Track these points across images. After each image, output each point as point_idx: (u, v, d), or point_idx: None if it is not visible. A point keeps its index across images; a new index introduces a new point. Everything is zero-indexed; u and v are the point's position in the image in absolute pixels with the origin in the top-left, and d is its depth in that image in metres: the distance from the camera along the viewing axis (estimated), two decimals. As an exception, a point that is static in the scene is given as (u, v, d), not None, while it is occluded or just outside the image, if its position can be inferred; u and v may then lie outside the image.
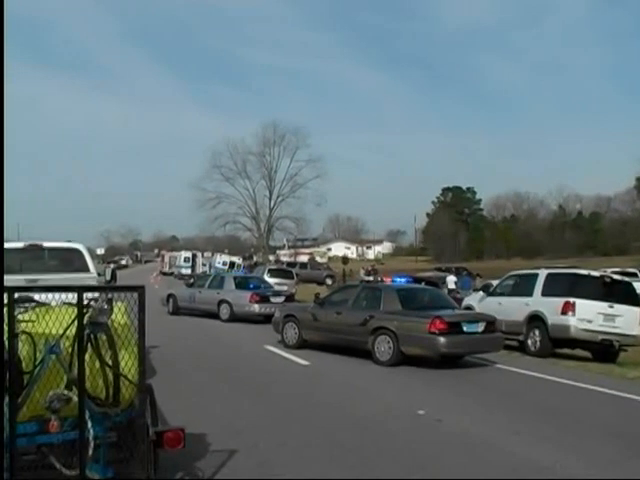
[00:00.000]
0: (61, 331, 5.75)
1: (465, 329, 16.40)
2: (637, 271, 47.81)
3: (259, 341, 20.67)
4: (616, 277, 20.66)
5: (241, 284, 30.04)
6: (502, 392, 13.80)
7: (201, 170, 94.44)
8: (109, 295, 6.06)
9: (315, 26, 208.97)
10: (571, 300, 18.87)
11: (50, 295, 6.20)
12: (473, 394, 13.42)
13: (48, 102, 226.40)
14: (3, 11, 5.32)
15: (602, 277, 19.95)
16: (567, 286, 19.63)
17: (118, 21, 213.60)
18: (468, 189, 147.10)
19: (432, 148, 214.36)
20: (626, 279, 21.34)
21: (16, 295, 5.48)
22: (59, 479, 5.52)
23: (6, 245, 15.66)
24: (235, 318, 27.81)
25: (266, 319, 24.93)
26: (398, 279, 25.84)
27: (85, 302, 5.64)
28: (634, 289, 20.53)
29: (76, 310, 5.52)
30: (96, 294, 6.02)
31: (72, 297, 5.69)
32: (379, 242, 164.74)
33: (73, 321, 5.62)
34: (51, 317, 5.92)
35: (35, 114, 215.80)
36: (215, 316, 28.59)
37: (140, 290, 5.49)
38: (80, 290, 5.51)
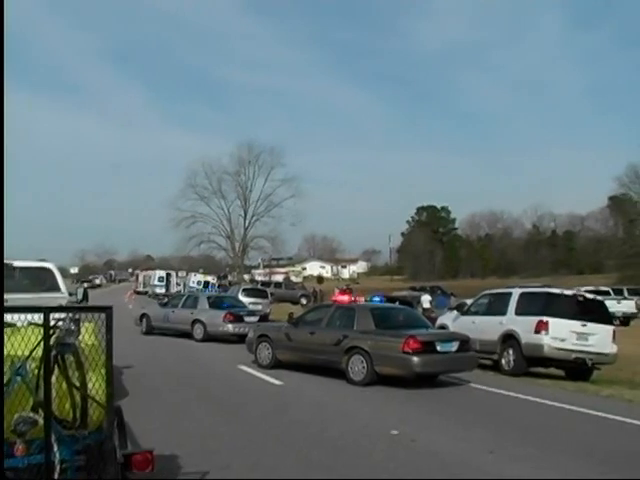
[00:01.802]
0: (27, 352, 5.67)
1: (439, 348, 16.37)
2: (610, 290, 48.18)
3: (233, 361, 20.55)
4: (589, 296, 20.74)
5: (215, 304, 29.93)
6: (476, 411, 13.78)
7: (177, 189, 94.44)
8: (77, 316, 5.98)
9: (293, 44, 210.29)
10: (544, 319, 18.90)
11: (16, 316, 6.11)
12: (447, 413, 13.39)
13: (25, 118, 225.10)
14: (3, 12, 5.27)
15: (575, 296, 20.02)
16: (540, 305, 19.67)
17: (96, 40, 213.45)
18: (443, 208, 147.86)
19: (408, 166, 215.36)
20: (599, 298, 21.47)
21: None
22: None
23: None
24: (209, 338, 27.66)
25: (240, 339, 24.82)
26: (377, 298, 25.91)
27: (52, 323, 5.56)
28: (607, 308, 20.66)
29: (42, 331, 5.43)
30: (63, 315, 5.94)
31: (39, 318, 5.60)
32: (354, 261, 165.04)
33: (40, 342, 5.53)
34: (17, 338, 5.83)
35: (10, 130, 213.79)
36: (189, 336, 28.42)
37: (108, 311, 5.42)
38: (47, 310, 5.42)
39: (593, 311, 19.59)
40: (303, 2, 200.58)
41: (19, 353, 5.71)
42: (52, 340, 5.51)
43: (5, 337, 5.87)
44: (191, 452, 9.17)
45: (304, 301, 63.34)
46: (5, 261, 15.04)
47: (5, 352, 5.72)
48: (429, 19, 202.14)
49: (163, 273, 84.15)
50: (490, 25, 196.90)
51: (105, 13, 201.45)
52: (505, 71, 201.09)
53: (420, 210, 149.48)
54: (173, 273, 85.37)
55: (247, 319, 27.91)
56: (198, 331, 28.24)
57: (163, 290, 75.88)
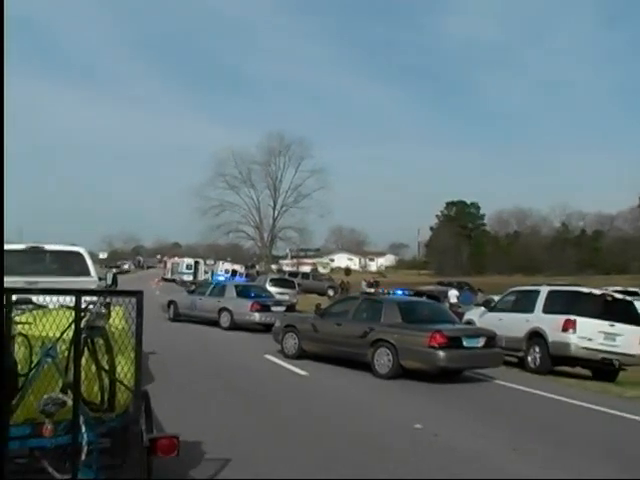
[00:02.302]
0: (58, 334, 5.72)
1: (465, 344, 16.35)
2: (638, 290, 47.75)
3: (258, 350, 20.61)
4: (618, 296, 20.60)
5: (242, 292, 30.00)
6: (500, 408, 13.76)
7: (205, 178, 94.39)
8: (107, 299, 6.02)
9: (321, 38, 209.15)
10: (572, 318, 18.80)
11: (48, 298, 6.16)
12: (471, 409, 13.37)
13: (54, 106, 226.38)
14: (3, 11, 5.31)
15: (603, 295, 19.89)
16: (568, 303, 19.57)
17: (124, 30, 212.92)
18: (472, 204, 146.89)
19: (437, 162, 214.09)
20: (628, 298, 21.28)
21: (14, 297, 5.45)
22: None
23: (7, 247, 15.63)
24: (235, 326, 27.76)
25: (266, 328, 24.90)
26: (399, 292, 25.87)
27: (83, 306, 5.60)
28: (635, 308, 20.46)
29: (73, 313, 5.48)
30: (94, 298, 5.98)
31: (70, 300, 5.65)
32: (382, 254, 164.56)
33: (70, 324, 5.58)
34: (48, 320, 5.89)
35: (41, 118, 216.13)
36: (215, 324, 28.53)
37: (138, 295, 5.45)
38: (78, 293, 5.47)
39: (621, 311, 19.42)
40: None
41: (50, 335, 5.76)
42: (82, 323, 5.55)
43: (37, 319, 5.94)
44: (214, 440, 9.19)
45: (331, 292, 63.20)
46: (36, 244, 15.29)
47: (36, 333, 5.78)
48: (456, 16, 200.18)
49: (191, 261, 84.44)
50: (519, 23, 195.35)
51: (136, 4, 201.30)
52: (533, 69, 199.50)
53: (449, 205, 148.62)
54: (201, 261, 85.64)
55: (274, 309, 27.96)
56: (225, 319, 28.34)
57: (191, 278, 76.13)
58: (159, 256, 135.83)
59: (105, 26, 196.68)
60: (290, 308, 29.57)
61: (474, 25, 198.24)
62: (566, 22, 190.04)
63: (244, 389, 14.16)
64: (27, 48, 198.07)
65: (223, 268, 74.52)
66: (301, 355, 18.80)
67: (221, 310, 28.65)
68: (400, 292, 25.50)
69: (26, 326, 5.83)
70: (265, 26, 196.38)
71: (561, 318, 18.99)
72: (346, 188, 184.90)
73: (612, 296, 20.12)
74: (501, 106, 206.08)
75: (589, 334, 18.70)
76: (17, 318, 5.77)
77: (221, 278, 53.13)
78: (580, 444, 10.70)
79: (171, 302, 31.93)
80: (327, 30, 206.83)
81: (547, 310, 19.81)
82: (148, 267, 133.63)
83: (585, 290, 20.19)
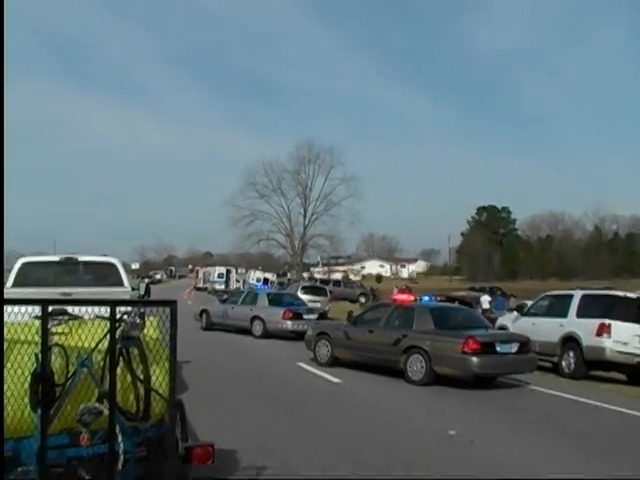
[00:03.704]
0: (93, 344, 5.76)
1: (499, 349, 16.27)
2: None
3: (291, 358, 20.64)
4: (653, 300, 20.35)
5: (274, 301, 30.05)
6: (535, 414, 13.67)
7: (236, 188, 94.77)
8: (142, 309, 6.06)
9: (350, 48, 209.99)
10: (607, 322, 18.63)
11: (83, 308, 6.22)
12: (506, 415, 13.32)
13: (88, 118, 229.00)
14: (3, 11, 5.36)
15: (639, 299, 19.68)
16: (603, 308, 19.40)
17: (157, 42, 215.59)
18: (503, 209, 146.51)
19: (467, 167, 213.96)
20: (663, 301, 21.03)
21: (50, 308, 5.50)
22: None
23: (42, 258, 15.86)
24: (268, 334, 27.81)
25: (299, 336, 24.89)
26: (426, 298, 25.85)
27: (118, 316, 5.64)
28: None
29: (109, 324, 5.52)
30: (129, 308, 6.02)
31: (105, 311, 5.70)
32: (413, 261, 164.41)
33: (105, 335, 5.62)
34: (84, 330, 5.94)
35: (75, 130, 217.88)
36: (248, 332, 28.59)
37: (172, 305, 5.48)
38: (113, 304, 5.52)
39: (657, 315, 19.20)
40: (362, 6, 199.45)
41: (85, 345, 5.81)
42: (117, 333, 5.59)
43: (72, 329, 5.99)
44: (248, 449, 9.21)
45: (362, 299, 63.14)
46: (70, 255, 15.44)
47: (72, 343, 5.84)
48: (487, 24, 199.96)
49: (223, 270, 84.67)
50: (550, 30, 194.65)
51: (167, 16, 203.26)
52: (565, 74, 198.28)
53: (480, 210, 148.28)
54: (233, 270, 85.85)
55: (306, 317, 27.95)
56: (257, 327, 28.39)
57: (223, 286, 76.36)
58: (191, 266, 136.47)
59: (138, 40, 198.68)
60: (322, 316, 29.55)
61: (504, 32, 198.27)
62: (598, 25, 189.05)
63: (278, 397, 14.18)
64: (66, 63, 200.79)
65: (255, 277, 74.62)
66: (334, 363, 18.80)
67: (253, 318, 28.71)
68: (427, 298, 25.46)
69: (62, 337, 5.88)
70: (295, 36, 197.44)
71: (595, 322, 18.83)
72: (377, 195, 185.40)
73: (647, 300, 19.89)
74: (532, 110, 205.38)
75: (624, 338, 18.52)
76: (53, 329, 5.82)
77: (255, 284, 53.19)
78: (619, 451, 10.61)
79: (203, 311, 32.07)
80: (357, 39, 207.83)
81: (581, 314, 19.66)
82: (180, 277, 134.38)
83: (620, 294, 20.01)
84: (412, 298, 21.78)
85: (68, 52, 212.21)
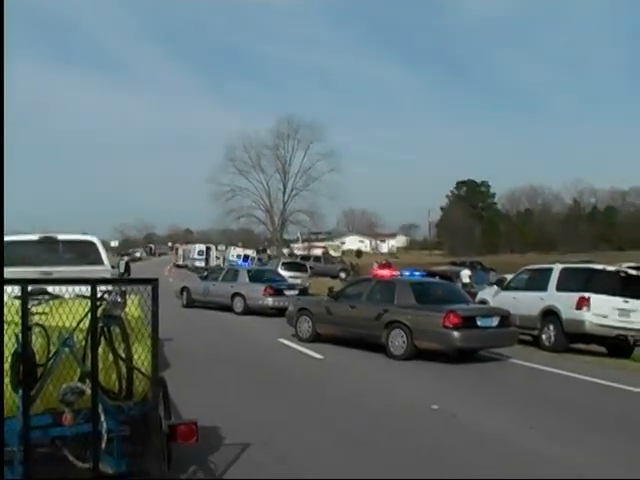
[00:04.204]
0: (75, 324, 5.74)
1: (479, 323, 16.34)
2: (652, 266, 47.53)
3: (273, 334, 20.66)
4: (632, 272, 20.47)
5: (255, 277, 30.04)
6: (516, 387, 13.76)
7: (216, 164, 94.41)
8: (123, 288, 6.04)
9: (331, 20, 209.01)
10: (586, 295, 18.74)
11: (64, 288, 6.18)
12: (487, 389, 13.39)
13: (65, 95, 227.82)
14: (3, 11, 5.31)
15: (617, 272, 19.80)
16: (582, 281, 19.50)
17: (135, 17, 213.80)
18: (482, 183, 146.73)
19: (447, 142, 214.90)
20: (642, 274, 21.17)
21: (30, 287, 5.46)
22: (72, 472, 5.52)
23: (21, 237, 15.72)
24: (249, 311, 27.86)
25: (280, 312, 24.92)
26: (407, 273, 25.86)
27: (99, 295, 5.62)
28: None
29: (90, 303, 5.49)
30: (110, 287, 6.00)
31: (86, 290, 5.66)
32: (393, 236, 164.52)
33: (87, 314, 5.60)
34: (65, 310, 5.90)
35: (51, 107, 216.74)
36: (229, 309, 28.63)
37: (154, 283, 5.46)
38: (94, 283, 5.49)
39: (636, 287, 19.28)
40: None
41: (67, 324, 5.78)
42: (99, 312, 5.57)
43: (53, 309, 5.96)
44: (232, 425, 9.21)
45: (343, 275, 63.27)
46: (49, 234, 15.33)
47: (53, 323, 5.80)
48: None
49: (203, 247, 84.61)
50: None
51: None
52: (545, 46, 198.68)
53: (460, 185, 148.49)
54: (213, 247, 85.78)
55: (287, 293, 28.00)
56: (238, 304, 28.41)
57: (203, 264, 76.32)
58: (170, 243, 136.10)
59: (115, 13, 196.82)
60: (303, 292, 29.59)
61: (485, 2, 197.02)
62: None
63: (260, 374, 14.19)
64: (40, 38, 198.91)
65: (235, 253, 74.55)
66: (315, 338, 18.85)
67: (234, 295, 28.73)
68: (408, 273, 25.52)
69: (43, 316, 5.84)
70: (277, 10, 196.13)
71: (575, 295, 18.93)
72: (357, 170, 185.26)
73: (626, 272, 20.00)
74: (512, 83, 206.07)
75: (603, 311, 18.63)
76: (34, 309, 5.79)
77: (235, 260, 53.03)
78: (600, 421, 10.71)
79: (184, 288, 32.05)
80: (337, 11, 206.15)
81: (561, 288, 19.76)
82: (160, 254, 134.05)
83: (599, 267, 20.11)
84: (394, 273, 21.79)
85: (45, 27, 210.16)
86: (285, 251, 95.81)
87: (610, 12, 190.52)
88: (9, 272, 10.21)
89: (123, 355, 5.93)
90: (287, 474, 7.39)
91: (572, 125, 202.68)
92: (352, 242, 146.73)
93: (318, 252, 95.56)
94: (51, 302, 6.11)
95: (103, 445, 5.45)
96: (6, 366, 5.42)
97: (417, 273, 22.45)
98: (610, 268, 20.08)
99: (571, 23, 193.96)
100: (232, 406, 10.75)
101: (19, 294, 5.35)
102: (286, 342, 19.01)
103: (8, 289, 5.60)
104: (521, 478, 7.53)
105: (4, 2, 5.34)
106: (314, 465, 7.78)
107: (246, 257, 70.62)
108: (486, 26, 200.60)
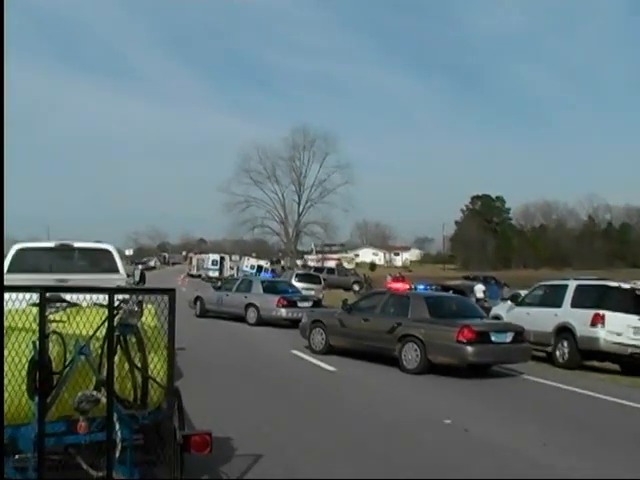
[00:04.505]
0: (91, 332, 5.75)
1: (493, 339, 16.30)
2: (668, 284, 47.27)
3: (286, 346, 20.66)
4: (646, 290, 20.36)
5: (269, 288, 30.07)
6: (530, 403, 13.70)
7: (230, 174, 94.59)
8: (140, 297, 6.05)
9: (346, 31, 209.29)
10: (601, 312, 18.66)
11: (81, 296, 6.21)
12: (500, 404, 13.34)
13: (79, 103, 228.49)
14: (3, 11, 5.34)
15: (633, 290, 19.71)
16: (597, 298, 19.42)
17: (151, 25, 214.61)
18: (497, 198, 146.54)
19: (462, 155, 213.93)
20: (657, 292, 21.05)
21: (47, 295, 5.48)
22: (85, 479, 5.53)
23: (37, 244, 15.80)
24: (262, 322, 27.85)
25: (293, 324, 24.91)
26: (421, 286, 25.81)
27: (116, 304, 5.63)
28: (665, 302, 20.24)
29: (106, 311, 5.51)
30: (126, 296, 6.01)
31: (103, 298, 5.68)
32: (407, 249, 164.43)
33: (103, 322, 5.61)
34: (82, 318, 5.92)
35: (66, 114, 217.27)
36: (242, 319, 28.63)
37: (171, 293, 5.47)
38: (111, 292, 5.50)
39: (651, 305, 19.21)
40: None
41: (83, 333, 5.79)
42: (115, 321, 5.58)
43: (70, 316, 5.97)
44: (245, 435, 9.22)
45: (356, 287, 63.13)
46: (65, 242, 15.39)
47: (70, 331, 5.81)
48: (484, 7, 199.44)
49: (217, 257, 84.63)
50: (546, 14, 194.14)
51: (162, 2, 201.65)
52: (560, 59, 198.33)
53: (474, 199, 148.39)
54: (227, 257, 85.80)
55: (300, 304, 28.02)
56: (252, 315, 28.41)
57: (217, 273, 76.37)
58: (184, 252, 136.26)
59: (131, 21, 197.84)
60: (317, 303, 29.62)
61: (500, 15, 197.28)
62: (594, 8, 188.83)
63: (273, 385, 14.19)
64: (54, 44, 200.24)
65: (248, 264, 74.57)
66: (328, 350, 18.82)
67: (248, 306, 28.74)
68: (422, 287, 25.39)
69: (60, 324, 5.85)
70: (291, 19, 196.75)
71: (590, 312, 18.85)
72: (371, 182, 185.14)
73: (641, 290, 19.91)
74: (528, 99, 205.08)
75: (618, 328, 18.55)
76: (51, 316, 5.80)
77: (249, 271, 53.02)
78: (613, 439, 10.65)
79: (198, 298, 32.11)
80: (353, 22, 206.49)
81: (575, 304, 19.68)
82: (173, 263, 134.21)
83: (613, 284, 20.01)
84: (407, 286, 21.78)
85: (60, 33, 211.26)
86: (299, 262, 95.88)
87: (624, 21, 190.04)
88: (25, 279, 10.24)
89: (138, 364, 5.94)
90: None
91: (588, 141, 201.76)
92: (366, 254, 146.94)
93: (332, 264, 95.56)
94: (68, 310, 6.13)
95: (117, 454, 5.45)
96: (23, 373, 5.44)
97: (421, 287, 22.46)
98: (625, 285, 19.97)
99: (585, 39, 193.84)
100: (244, 416, 10.75)
101: (36, 301, 5.37)
102: (299, 354, 19.00)
103: (26, 296, 5.63)
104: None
105: (4, 2, 5.36)
106: (325, 477, 7.76)
107: (260, 268, 70.62)
108: (501, 38, 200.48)
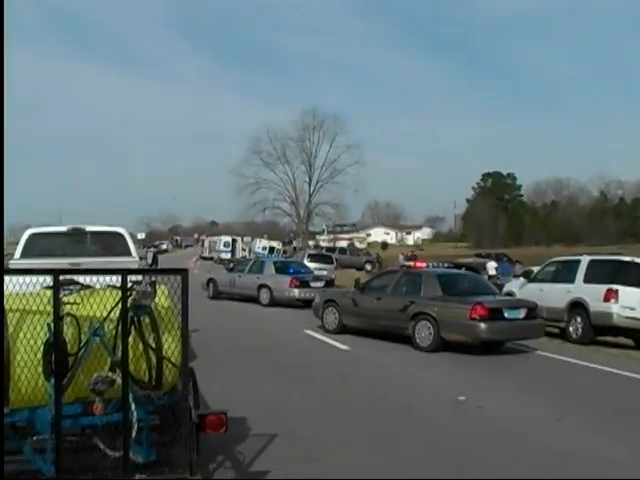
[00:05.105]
0: (105, 314, 5.76)
1: (506, 315, 16.29)
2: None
3: (299, 326, 20.71)
4: (660, 265, 20.29)
5: (281, 269, 30.08)
6: (543, 379, 13.70)
7: (241, 156, 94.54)
8: (153, 278, 6.06)
9: (354, 13, 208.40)
10: (614, 287, 18.60)
11: (94, 278, 6.23)
12: (514, 381, 13.35)
13: (92, 86, 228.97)
14: (3, 11, 5.34)
15: (646, 264, 19.64)
16: (610, 273, 19.36)
17: (160, 8, 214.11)
18: (508, 175, 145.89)
19: (472, 134, 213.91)
20: (671, 266, 20.96)
21: (61, 277, 5.50)
22: (102, 460, 5.57)
23: (49, 229, 15.84)
24: (275, 303, 27.91)
25: (306, 304, 24.96)
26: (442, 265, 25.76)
27: (129, 285, 5.65)
28: (678, 276, 20.16)
29: (120, 293, 5.53)
30: (140, 277, 6.02)
31: (116, 280, 5.70)
32: (418, 228, 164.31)
33: (117, 304, 5.62)
34: (95, 300, 5.93)
35: (79, 98, 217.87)
36: (255, 300, 28.69)
37: (184, 273, 5.49)
38: (124, 273, 5.52)
39: (664, 280, 19.14)
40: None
41: (97, 314, 5.80)
42: (129, 302, 5.59)
43: (84, 299, 5.99)
44: (258, 416, 9.25)
45: (368, 267, 63.26)
46: (77, 226, 15.43)
47: (84, 313, 5.84)
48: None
49: (229, 239, 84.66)
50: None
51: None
52: (570, 38, 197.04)
53: (485, 176, 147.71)
54: (239, 239, 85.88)
55: (313, 284, 28.05)
56: (264, 296, 28.46)
57: (229, 255, 76.45)
58: (196, 235, 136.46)
59: (140, 8, 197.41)
60: (329, 283, 29.64)
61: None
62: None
63: (286, 365, 14.24)
64: (67, 28, 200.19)
65: (261, 245, 74.60)
66: (341, 330, 18.87)
67: (260, 287, 28.77)
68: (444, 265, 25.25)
69: (74, 306, 5.87)
70: (298, 1, 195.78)
71: (603, 288, 18.80)
72: (382, 162, 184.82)
73: (655, 265, 19.84)
74: (538, 75, 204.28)
75: (631, 303, 18.49)
76: (65, 299, 5.82)
77: (261, 252, 53.05)
78: (628, 414, 10.63)
79: (210, 280, 32.14)
80: (360, 3, 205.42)
81: (588, 280, 19.63)
82: (186, 246, 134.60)
83: (626, 259, 19.93)
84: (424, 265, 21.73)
85: (71, 18, 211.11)
86: (311, 243, 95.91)
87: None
88: (38, 263, 10.31)
89: (153, 345, 5.95)
90: (312, 465, 7.41)
91: (599, 117, 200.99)
92: (377, 234, 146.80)
93: (343, 244, 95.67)
94: (82, 292, 6.15)
95: (133, 434, 5.48)
96: (39, 355, 5.47)
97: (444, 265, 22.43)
98: (638, 260, 19.89)
99: (594, 11, 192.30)
100: (258, 397, 10.79)
101: (50, 284, 5.40)
102: (312, 333, 19.05)
103: (40, 279, 5.66)
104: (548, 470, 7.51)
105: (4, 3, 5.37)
106: (338, 457, 7.80)
107: (272, 249, 70.67)
108: (511, 17, 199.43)
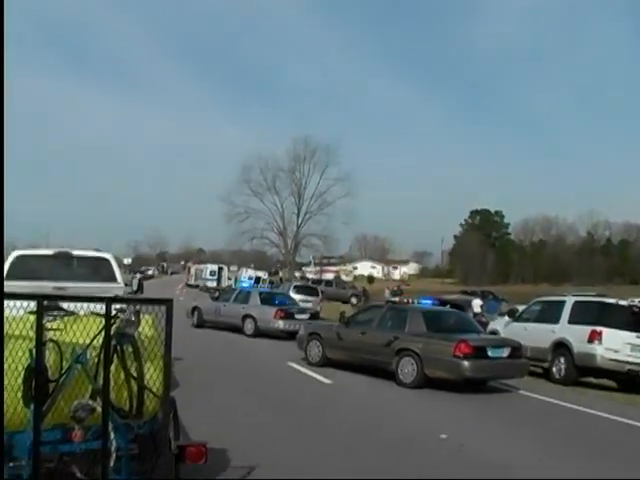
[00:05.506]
0: (88, 341, 5.75)
1: (490, 354, 16.30)
2: (665, 301, 47.22)
3: (282, 357, 20.65)
4: (644, 308, 20.37)
5: (266, 299, 29.98)
6: (526, 418, 13.70)
7: (231, 184, 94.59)
8: (137, 307, 6.05)
9: (348, 43, 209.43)
10: (598, 329, 18.66)
11: (78, 304, 6.22)
12: (496, 420, 13.34)
13: (85, 111, 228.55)
14: (3, 11, 5.36)
15: (630, 307, 19.72)
16: (594, 314, 19.42)
17: (156, 35, 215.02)
18: (496, 212, 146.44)
19: (461, 171, 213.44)
20: (655, 309, 21.04)
21: (45, 303, 5.49)
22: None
23: (36, 251, 15.83)
24: (259, 333, 27.80)
25: (290, 336, 24.89)
26: (424, 301, 25.74)
27: (113, 313, 5.64)
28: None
29: (104, 320, 5.52)
30: (124, 305, 6.02)
31: (100, 307, 5.69)
32: (405, 262, 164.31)
33: (100, 331, 5.61)
34: (78, 326, 5.92)
35: (71, 124, 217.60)
36: (239, 330, 28.57)
37: (168, 304, 5.48)
38: (109, 301, 5.51)
39: (648, 323, 19.21)
40: (361, 2, 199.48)
41: (80, 341, 5.80)
42: (112, 330, 5.58)
43: (67, 325, 5.98)
44: (239, 447, 9.20)
45: (354, 300, 63.10)
46: (64, 249, 15.42)
47: (67, 339, 5.82)
48: (487, 24, 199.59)
49: (215, 267, 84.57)
50: (548, 32, 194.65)
51: (165, 10, 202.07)
52: (560, 76, 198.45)
53: (473, 213, 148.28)
54: (225, 267, 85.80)
55: (298, 316, 27.95)
56: (249, 326, 28.36)
57: (215, 284, 76.31)
58: (183, 262, 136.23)
59: (136, 34, 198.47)
60: (314, 316, 29.59)
61: (502, 33, 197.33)
62: (595, 28, 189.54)
63: (269, 397, 14.18)
64: (65, 50, 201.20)
65: (247, 275, 74.48)
66: (325, 363, 18.81)
67: (245, 317, 28.69)
68: (429, 302, 25.28)
69: (57, 332, 5.86)
70: (294, 31, 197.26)
71: (587, 329, 18.86)
72: (370, 196, 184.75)
73: (638, 307, 19.92)
74: (528, 114, 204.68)
75: (615, 345, 18.54)
76: (48, 324, 5.80)
77: (245, 284, 53.08)
78: (609, 456, 10.65)
79: (195, 308, 32.06)
80: (356, 35, 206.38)
81: (573, 321, 19.69)
82: (172, 273, 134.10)
83: (611, 301, 20.02)
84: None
85: (71, 39, 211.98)
86: (297, 274, 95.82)
87: (625, 41, 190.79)
88: (23, 286, 10.25)
89: (135, 374, 5.94)
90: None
91: (588, 157, 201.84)
92: (364, 267, 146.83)
93: (330, 276, 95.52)
94: (65, 318, 6.14)
95: (112, 463, 5.46)
96: (19, 380, 5.45)
97: (425, 301, 22.43)
98: (623, 302, 19.98)
99: (586, 54, 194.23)
100: (240, 428, 10.74)
101: (34, 309, 5.39)
102: (295, 366, 18.98)
103: (24, 304, 5.64)
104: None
105: (4, 3, 5.39)
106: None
107: (258, 279, 70.55)
108: (500, 55, 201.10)
